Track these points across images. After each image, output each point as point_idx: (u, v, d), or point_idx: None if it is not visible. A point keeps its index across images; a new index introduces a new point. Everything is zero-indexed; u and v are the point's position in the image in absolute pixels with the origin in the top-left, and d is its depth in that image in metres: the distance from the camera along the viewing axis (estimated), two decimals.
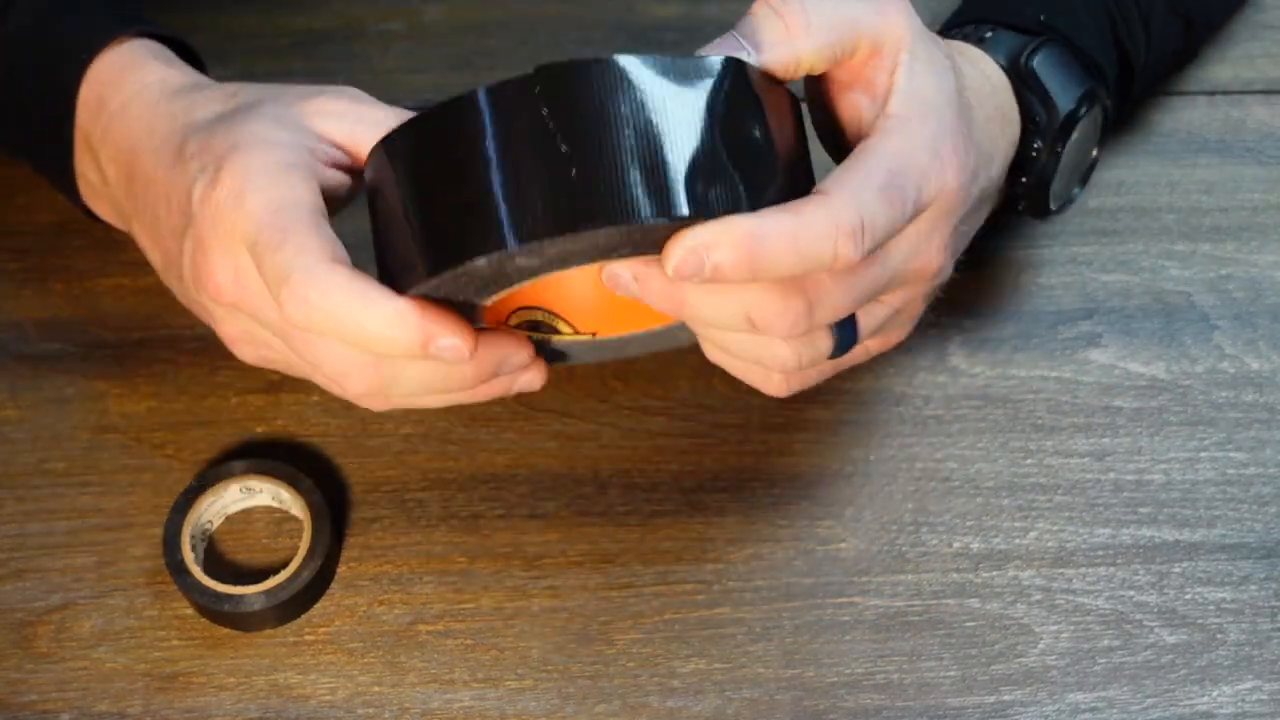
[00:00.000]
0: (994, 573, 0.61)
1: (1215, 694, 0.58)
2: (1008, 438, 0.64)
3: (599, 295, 0.54)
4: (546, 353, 0.57)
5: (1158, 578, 0.61)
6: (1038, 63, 0.59)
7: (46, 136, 0.60)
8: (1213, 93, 0.74)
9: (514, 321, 0.55)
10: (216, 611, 0.58)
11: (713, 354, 0.54)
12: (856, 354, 0.55)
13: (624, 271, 0.48)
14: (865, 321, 0.53)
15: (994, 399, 0.65)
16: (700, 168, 0.45)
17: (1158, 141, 0.72)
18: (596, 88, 0.45)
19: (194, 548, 0.59)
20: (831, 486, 0.63)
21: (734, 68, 0.47)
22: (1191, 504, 0.63)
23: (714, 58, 0.47)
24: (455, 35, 0.76)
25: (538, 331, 0.55)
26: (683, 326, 0.55)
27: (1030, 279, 0.68)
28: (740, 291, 0.48)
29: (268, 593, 0.58)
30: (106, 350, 0.65)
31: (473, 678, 0.58)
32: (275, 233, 0.49)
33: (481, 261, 0.46)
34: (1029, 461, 0.63)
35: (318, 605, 0.60)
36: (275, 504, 0.62)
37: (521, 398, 0.64)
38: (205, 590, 0.58)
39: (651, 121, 0.45)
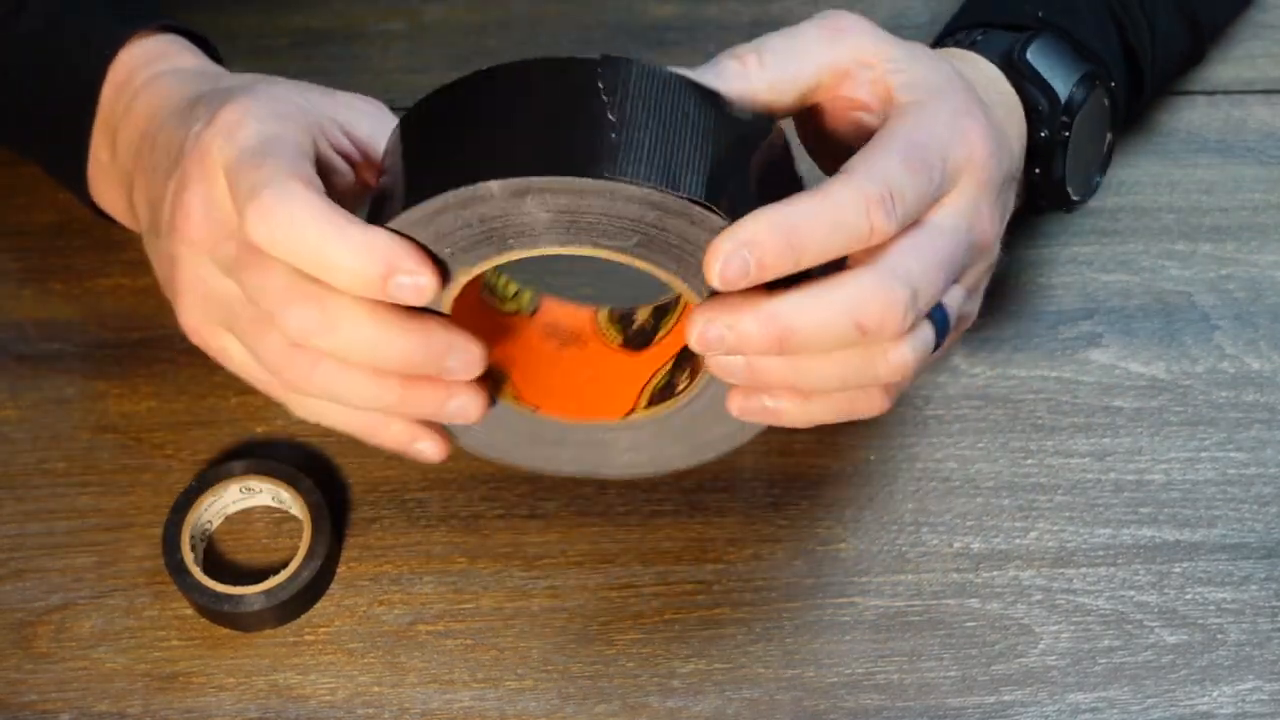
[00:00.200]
0: (994, 573, 0.61)
1: (1215, 694, 0.58)
2: (1008, 438, 0.64)
3: (557, 371, 0.54)
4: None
5: (1158, 578, 0.61)
6: (1031, 53, 0.59)
7: (63, 125, 0.60)
8: (1213, 92, 0.74)
9: None
10: (216, 611, 0.58)
11: (796, 415, 0.50)
12: (945, 345, 0.53)
13: (717, 320, 0.46)
14: (950, 306, 0.51)
15: (994, 399, 0.65)
16: (724, 168, 0.45)
17: (1158, 141, 0.72)
18: (651, 77, 0.46)
19: (194, 548, 0.59)
20: (831, 486, 0.63)
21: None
22: (1192, 504, 0.63)
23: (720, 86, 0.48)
24: (455, 35, 0.76)
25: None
26: (621, 449, 0.54)
27: (1030, 279, 0.68)
28: (840, 294, 0.47)
29: (267, 593, 0.58)
30: (106, 350, 0.65)
31: (473, 678, 0.58)
32: (256, 156, 0.48)
33: (494, 186, 0.44)
34: (1029, 461, 0.63)
35: (318, 605, 0.60)
36: (275, 504, 0.62)
37: None
38: (205, 590, 0.58)
39: (692, 120, 0.46)
